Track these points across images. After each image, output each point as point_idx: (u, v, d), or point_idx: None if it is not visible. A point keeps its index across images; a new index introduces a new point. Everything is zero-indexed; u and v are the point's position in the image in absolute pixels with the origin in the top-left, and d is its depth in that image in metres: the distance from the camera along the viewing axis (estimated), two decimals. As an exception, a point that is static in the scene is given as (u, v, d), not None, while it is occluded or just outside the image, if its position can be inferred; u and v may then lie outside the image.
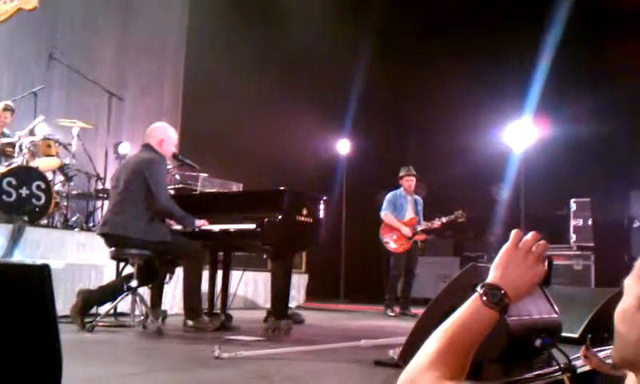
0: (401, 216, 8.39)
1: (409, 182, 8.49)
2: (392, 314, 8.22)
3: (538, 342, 2.86)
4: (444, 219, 8.32)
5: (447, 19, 10.89)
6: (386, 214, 8.40)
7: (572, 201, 9.17)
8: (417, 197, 8.61)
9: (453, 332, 1.28)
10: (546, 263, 1.36)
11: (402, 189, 8.54)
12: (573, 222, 9.12)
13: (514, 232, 1.38)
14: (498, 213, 10.64)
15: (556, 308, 3.26)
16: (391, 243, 8.31)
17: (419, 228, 8.33)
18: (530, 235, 1.37)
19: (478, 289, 1.32)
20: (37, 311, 1.85)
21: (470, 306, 1.30)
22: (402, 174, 8.56)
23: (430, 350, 1.26)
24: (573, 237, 9.02)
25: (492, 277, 1.34)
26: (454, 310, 1.33)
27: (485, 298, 1.29)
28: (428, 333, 1.33)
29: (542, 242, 1.37)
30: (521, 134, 9.88)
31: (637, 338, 1.12)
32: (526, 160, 9.92)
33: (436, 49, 10.59)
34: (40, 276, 1.89)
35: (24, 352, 1.75)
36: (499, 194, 10.73)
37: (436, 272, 10.20)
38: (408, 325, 4.04)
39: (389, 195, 8.54)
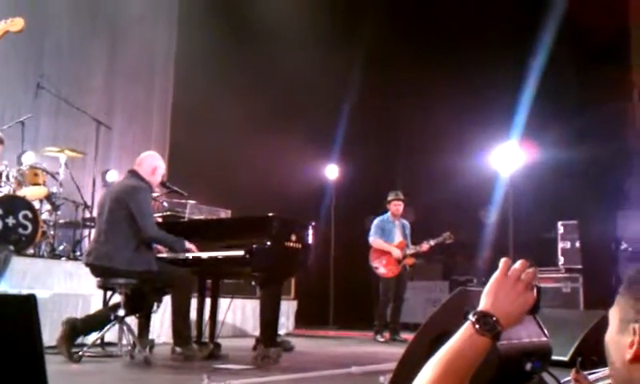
0: (390, 241, 8.41)
1: (396, 206, 8.53)
2: (382, 340, 8.20)
3: (528, 366, 2.84)
4: (432, 242, 8.33)
5: (434, 45, 11.00)
6: (374, 239, 8.43)
7: (559, 223, 9.21)
8: (404, 221, 8.64)
9: (447, 360, 1.29)
10: (535, 290, 1.39)
11: (389, 214, 8.57)
12: (560, 245, 9.14)
13: (502, 260, 1.41)
14: (487, 236, 10.67)
15: (545, 331, 3.25)
16: (381, 268, 8.30)
17: (408, 252, 8.34)
18: (518, 264, 1.40)
19: (470, 317, 1.34)
20: (23, 342, 1.82)
21: (463, 333, 1.33)
22: (389, 198, 8.59)
23: (425, 379, 1.27)
24: (561, 259, 9.04)
25: (483, 304, 1.36)
26: (444, 334, 1.35)
27: (477, 326, 1.31)
28: (418, 358, 1.34)
29: (530, 269, 1.39)
30: (507, 158, 9.93)
31: (622, 361, 1.15)
32: (513, 183, 9.96)
33: (423, 74, 10.68)
34: (26, 306, 1.87)
35: (9, 384, 1.72)
36: (487, 218, 10.77)
37: (425, 296, 10.19)
38: (398, 350, 4.00)
39: (376, 221, 8.57)
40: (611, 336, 1.22)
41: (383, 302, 8.36)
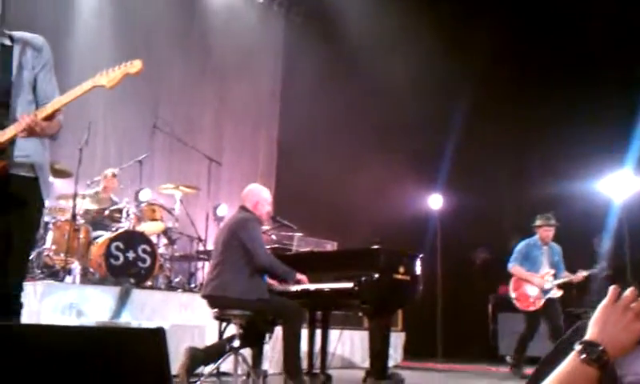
0: (534, 269, 7.48)
1: (547, 232, 7.56)
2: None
3: (655, 404, 2.72)
4: (585, 273, 7.39)
5: (544, 68, 10.73)
6: (513, 266, 7.52)
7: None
8: (554, 245, 7.64)
9: None
10: None
11: (537, 237, 7.60)
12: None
13: (611, 288, 1.37)
14: (602, 266, 10.21)
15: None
16: (521, 300, 7.44)
17: (555, 282, 7.36)
18: (628, 291, 1.35)
19: (576, 346, 1.30)
20: (153, 373, 1.95)
21: (568, 364, 1.29)
22: (538, 223, 7.63)
23: None
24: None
25: (590, 333, 1.32)
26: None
27: (584, 356, 1.27)
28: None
29: None
30: (621, 185, 9.52)
31: None
32: (627, 210, 9.53)
33: (532, 99, 10.47)
34: (155, 338, 2.00)
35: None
36: (601, 246, 10.31)
37: (539, 329, 9.75)
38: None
39: (520, 245, 7.63)
40: None
41: (524, 336, 7.49)
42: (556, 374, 1.29)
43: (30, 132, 2.89)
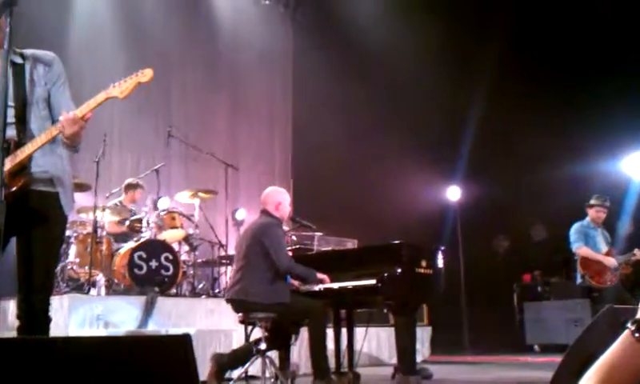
0: (595, 249, 7.32)
1: (599, 213, 7.40)
2: None
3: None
4: None
5: (560, 58, 10.62)
6: (579, 247, 7.28)
7: None
8: (604, 230, 7.54)
9: (605, 373, 1.23)
10: None
11: (588, 219, 7.43)
12: None
13: None
14: (625, 247, 10.11)
15: None
16: (597, 277, 7.21)
17: (622, 259, 7.19)
18: None
19: (629, 325, 1.27)
20: (182, 378, 1.96)
21: (621, 344, 1.26)
22: (592, 202, 7.45)
23: None
24: None
25: None
26: (594, 356, 1.30)
27: (638, 334, 1.25)
28: (567, 382, 1.30)
29: None
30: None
31: None
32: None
33: (549, 84, 10.37)
34: (182, 345, 2.01)
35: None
36: (625, 228, 10.18)
37: (566, 316, 9.66)
38: (544, 375, 3.83)
39: (575, 226, 7.42)
40: None
41: None
42: (608, 355, 1.25)
43: (70, 130, 2.88)
